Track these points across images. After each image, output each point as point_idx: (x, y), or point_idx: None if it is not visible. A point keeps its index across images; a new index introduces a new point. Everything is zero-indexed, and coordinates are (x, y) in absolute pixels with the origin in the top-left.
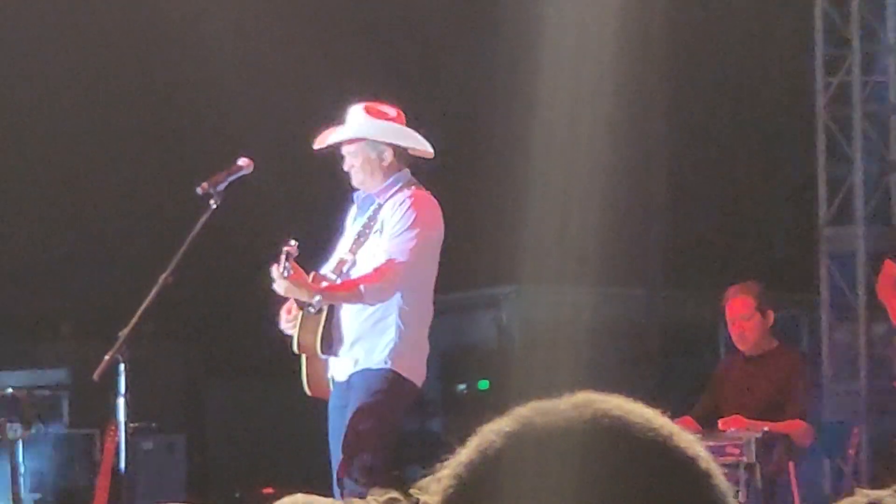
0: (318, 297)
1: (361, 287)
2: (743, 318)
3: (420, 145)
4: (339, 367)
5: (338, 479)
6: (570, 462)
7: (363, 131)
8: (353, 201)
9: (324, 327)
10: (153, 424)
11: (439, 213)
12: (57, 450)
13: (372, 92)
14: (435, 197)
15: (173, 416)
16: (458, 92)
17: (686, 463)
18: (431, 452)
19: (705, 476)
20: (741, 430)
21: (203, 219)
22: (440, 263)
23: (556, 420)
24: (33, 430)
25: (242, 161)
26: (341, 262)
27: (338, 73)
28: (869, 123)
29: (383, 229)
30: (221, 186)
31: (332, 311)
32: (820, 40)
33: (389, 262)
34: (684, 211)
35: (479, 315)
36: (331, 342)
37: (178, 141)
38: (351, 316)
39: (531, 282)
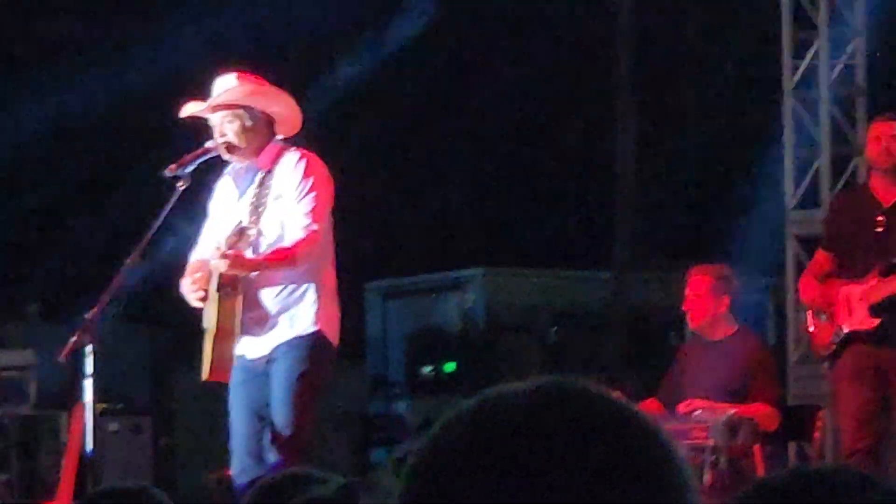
0: (254, 273)
1: (294, 253)
2: (695, 295)
3: (296, 115)
4: (255, 345)
5: (281, 455)
6: (534, 444)
7: (243, 97)
8: (226, 175)
9: (243, 308)
10: (120, 406)
11: (327, 171)
12: (23, 431)
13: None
14: (402, 178)
15: (140, 398)
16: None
17: (649, 442)
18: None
19: (667, 454)
20: (707, 413)
21: (171, 201)
22: (406, 246)
23: (519, 402)
24: (0, 411)
25: (210, 142)
26: (245, 235)
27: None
28: (836, 107)
29: (283, 194)
30: (190, 168)
31: (249, 290)
32: (787, 23)
33: (307, 226)
34: (652, 194)
35: (445, 298)
36: (253, 320)
37: (145, 122)
38: (270, 292)
39: (497, 264)
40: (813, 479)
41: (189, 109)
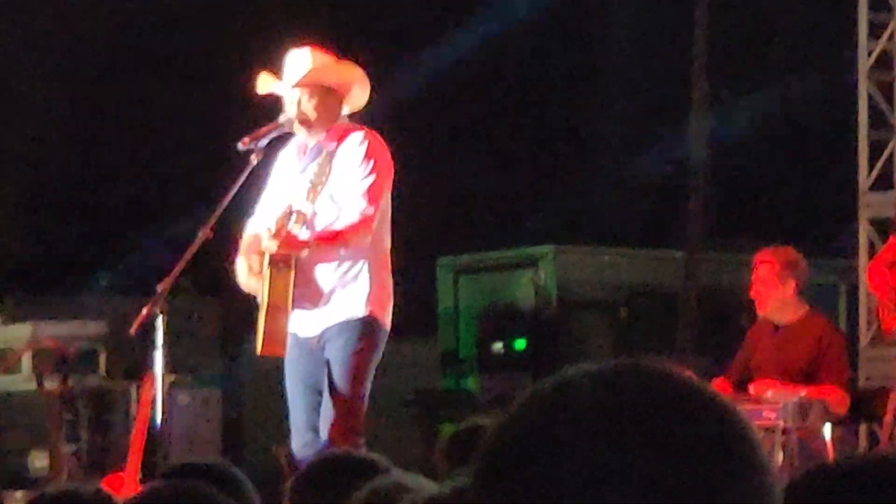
0: (306, 252)
1: (346, 236)
2: (761, 281)
3: (366, 91)
4: (309, 322)
5: (330, 439)
6: (612, 424)
7: (326, 76)
8: (290, 146)
9: (295, 283)
10: (189, 378)
11: (389, 153)
12: (93, 402)
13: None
14: (475, 154)
15: (210, 371)
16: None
17: (726, 422)
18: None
19: (744, 435)
20: (778, 395)
21: (244, 174)
22: (480, 223)
23: (597, 382)
24: (70, 383)
25: (282, 117)
26: (300, 213)
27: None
28: None
29: (343, 173)
30: (263, 142)
31: (302, 266)
32: (864, 5)
33: (363, 210)
34: (725, 175)
35: (517, 274)
36: (306, 297)
37: (221, 95)
38: (324, 269)
39: (569, 242)
40: (869, 467)
41: (268, 86)
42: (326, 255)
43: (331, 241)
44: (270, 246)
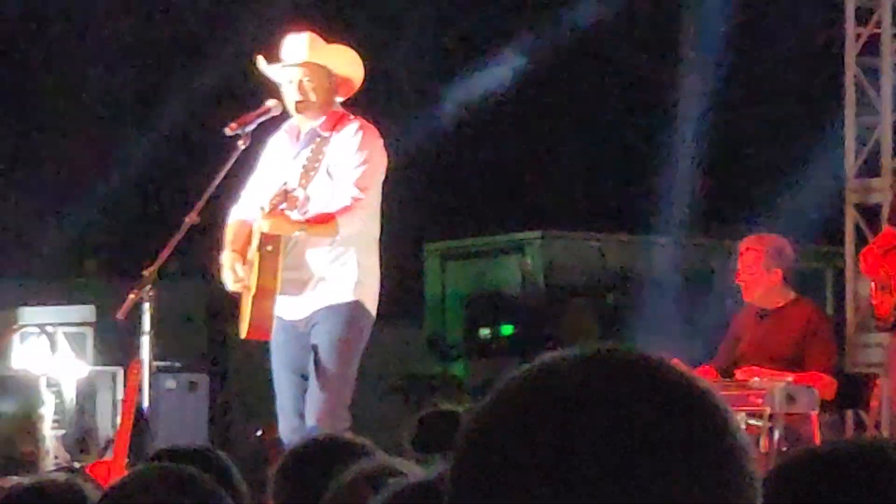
0: (298, 233)
1: (337, 220)
2: (747, 268)
3: (359, 77)
4: (295, 306)
5: (316, 424)
6: (589, 411)
7: (327, 57)
8: (282, 131)
9: (283, 267)
10: (176, 363)
11: (383, 144)
12: (80, 387)
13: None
14: (462, 140)
15: (196, 355)
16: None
17: (707, 410)
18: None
19: (725, 423)
20: (764, 380)
21: (231, 159)
22: (466, 208)
23: (575, 369)
24: (57, 368)
25: (271, 102)
26: (291, 197)
27: None
28: None
29: (338, 162)
30: (250, 127)
31: (290, 251)
32: None
33: (355, 195)
34: (711, 160)
35: (505, 260)
36: (293, 281)
37: (208, 80)
38: (312, 254)
39: (556, 228)
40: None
41: (266, 67)
42: (316, 239)
43: (323, 223)
44: (262, 225)
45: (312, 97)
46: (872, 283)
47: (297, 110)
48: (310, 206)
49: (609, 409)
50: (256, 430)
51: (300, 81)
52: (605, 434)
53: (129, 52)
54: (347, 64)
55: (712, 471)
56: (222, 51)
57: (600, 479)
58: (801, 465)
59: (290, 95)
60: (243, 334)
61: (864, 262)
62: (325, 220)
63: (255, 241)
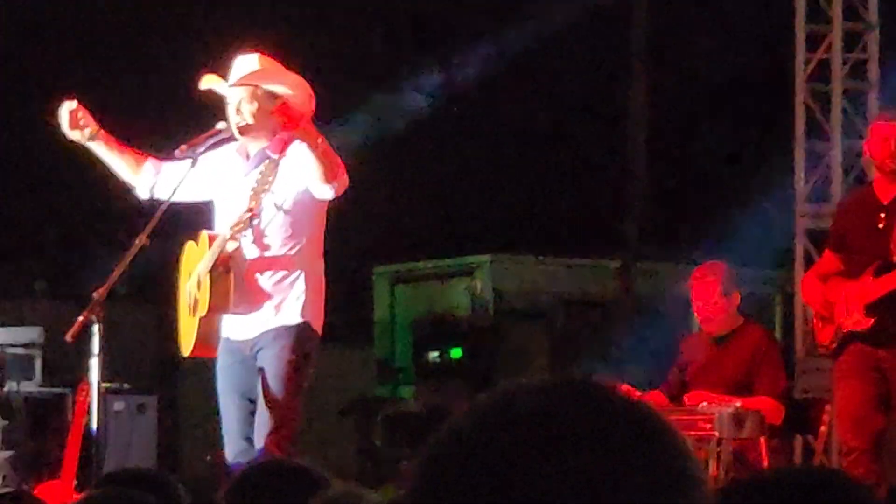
0: (251, 255)
1: (342, 165)
2: (708, 302)
3: (310, 104)
4: (242, 327)
5: (264, 448)
6: (547, 442)
7: (268, 79)
8: (234, 149)
9: (236, 284)
10: (125, 385)
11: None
12: (29, 408)
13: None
14: (411, 163)
15: (145, 378)
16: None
17: (660, 440)
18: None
19: (678, 451)
20: (713, 405)
21: (181, 181)
22: (416, 231)
23: (533, 400)
24: (6, 389)
25: (221, 124)
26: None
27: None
28: (848, 101)
29: (290, 182)
30: (200, 149)
31: (241, 271)
32: (801, 16)
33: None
34: (662, 183)
35: (454, 283)
36: (243, 299)
37: (157, 102)
38: (262, 274)
39: (505, 251)
40: (798, 479)
41: (209, 82)
42: (266, 261)
43: (333, 155)
44: (230, 245)
45: (249, 119)
46: (813, 311)
47: (239, 132)
48: (261, 227)
49: (565, 440)
50: (206, 455)
51: (239, 103)
52: (561, 464)
53: (74, 69)
54: (291, 87)
55: (668, 496)
56: (171, 68)
57: None
58: (747, 491)
59: (231, 117)
60: (186, 352)
61: (804, 289)
62: (335, 157)
63: (208, 263)
